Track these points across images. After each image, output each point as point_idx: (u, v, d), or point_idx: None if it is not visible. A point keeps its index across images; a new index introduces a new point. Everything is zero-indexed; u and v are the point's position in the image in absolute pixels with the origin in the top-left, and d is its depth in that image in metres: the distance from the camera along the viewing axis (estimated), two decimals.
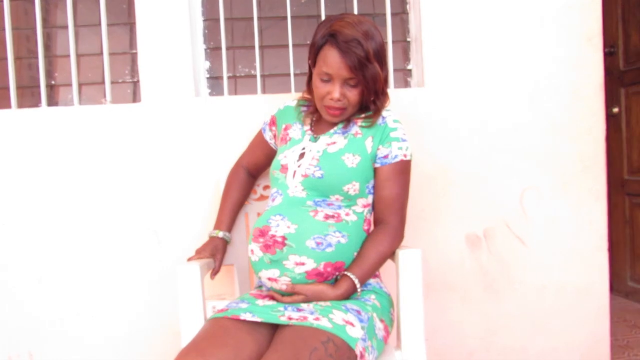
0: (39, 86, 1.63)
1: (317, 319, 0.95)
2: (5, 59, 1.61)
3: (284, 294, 1.07)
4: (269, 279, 1.08)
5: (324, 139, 1.17)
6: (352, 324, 0.97)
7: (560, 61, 1.58)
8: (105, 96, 1.65)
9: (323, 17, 1.63)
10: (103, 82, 1.66)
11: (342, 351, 0.91)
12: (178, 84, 1.55)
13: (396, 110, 1.23)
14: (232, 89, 1.73)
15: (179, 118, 1.55)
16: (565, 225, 1.60)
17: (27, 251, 1.55)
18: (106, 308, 1.57)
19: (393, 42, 1.65)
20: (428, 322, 1.16)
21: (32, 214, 1.55)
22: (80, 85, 1.67)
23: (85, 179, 1.55)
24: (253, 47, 1.65)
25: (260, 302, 1.06)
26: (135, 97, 1.73)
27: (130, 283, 1.56)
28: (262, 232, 1.08)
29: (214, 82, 1.69)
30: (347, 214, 1.12)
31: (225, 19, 1.64)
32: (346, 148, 1.13)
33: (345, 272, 1.07)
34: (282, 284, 1.06)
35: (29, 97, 1.76)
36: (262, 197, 1.44)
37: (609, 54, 2.52)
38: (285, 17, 1.64)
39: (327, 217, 1.09)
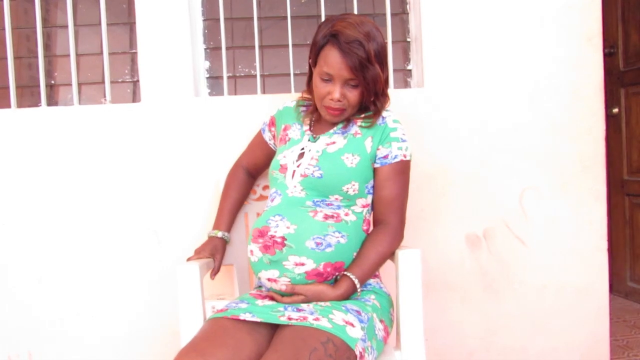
0: (38, 86, 1.63)
1: (317, 319, 0.95)
2: (5, 58, 1.61)
3: (283, 294, 1.07)
4: (269, 279, 1.08)
5: (323, 139, 1.17)
6: (352, 325, 0.97)
7: (560, 61, 1.58)
8: (105, 96, 1.65)
9: (323, 17, 1.63)
10: (103, 82, 1.66)
11: (341, 351, 0.91)
12: (178, 84, 1.55)
13: (396, 111, 1.23)
14: (231, 89, 1.73)
15: (178, 118, 1.55)
16: (565, 225, 1.60)
17: (27, 251, 1.55)
18: (106, 308, 1.57)
19: (393, 42, 1.65)
20: (428, 322, 1.16)
21: (32, 214, 1.55)
22: (80, 84, 1.67)
23: (85, 179, 1.55)
24: (253, 47, 1.65)
25: (259, 302, 1.06)
26: (135, 97, 1.73)
27: (130, 283, 1.56)
28: (262, 233, 1.08)
29: (214, 82, 1.69)
30: (346, 214, 1.12)
31: (225, 19, 1.64)
32: (345, 148, 1.13)
33: (345, 272, 1.07)
34: (282, 284, 1.06)
35: (28, 96, 1.76)
36: (262, 197, 1.44)
37: (609, 55, 2.52)
38: (285, 17, 1.64)
39: (326, 217, 1.09)
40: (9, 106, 1.61)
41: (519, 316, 1.61)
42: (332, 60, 1.06)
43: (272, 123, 1.31)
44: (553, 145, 1.59)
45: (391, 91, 1.25)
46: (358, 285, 1.07)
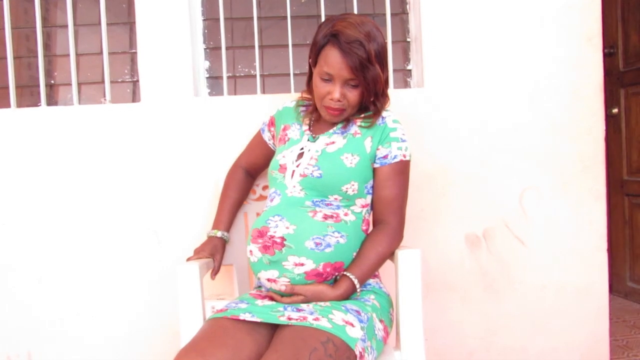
0: (38, 85, 1.63)
1: (316, 319, 0.95)
2: (5, 58, 1.61)
3: (283, 294, 1.07)
4: (268, 279, 1.08)
5: (323, 138, 1.17)
6: (351, 324, 0.97)
7: (560, 61, 1.58)
8: (104, 96, 1.65)
9: (323, 17, 1.63)
10: (103, 82, 1.66)
11: (341, 351, 0.91)
12: (178, 84, 1.55)
13: (396, 111, 1.23)
14: (231, 89, 1.73)
15: (178, 118, 1.55)
16: (565, 225, 1.60)
17: (27, 251, 1.55)
18: (106, 308, 1.57)
19: (393, 42, 1.65)
20: (428, 322, 1.16)
21: (32, 214, 1.55)
22: (79, 84, 1.67)
23: (85, 178, 1.55)
24: (253, 47, 1.65)
25: (259, 302, 1.06)
26: (134, 97, 1.73)
27: (130, 283, 1.56)
28: (261, 233, 1.08)
29: (214, 82, 1.69)
30: (345, 214, 1.12)
31: (225, 19, 1.64)
32: (345, 148, 1.13)
33: (345, 273, 1.07)
34: (282, 284, 1.06)
35: (28, 96, 1.76)
36: (262, 197, 1.44)
37: (609, 55, 2.52)
38: (285, 17, 1.64)
39: (325, 217, 1.09)
40: (8, 106, 1.61)
41: (519, 316, 1.61)
42: (333, 60, 1.06)
43: (272, 123, 1.31)
44: (553, 145, 1.59)
45: (391, 91, 1.25)
46: (358, 286, 1.07)
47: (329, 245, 1.06)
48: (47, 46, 1.73)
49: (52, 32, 1.75)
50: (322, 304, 1.03)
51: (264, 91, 1.72)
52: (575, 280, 1.61)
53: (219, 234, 1.29)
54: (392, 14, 1.65)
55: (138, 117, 1.55)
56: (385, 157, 1.13)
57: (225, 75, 1.63)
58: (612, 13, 2.49)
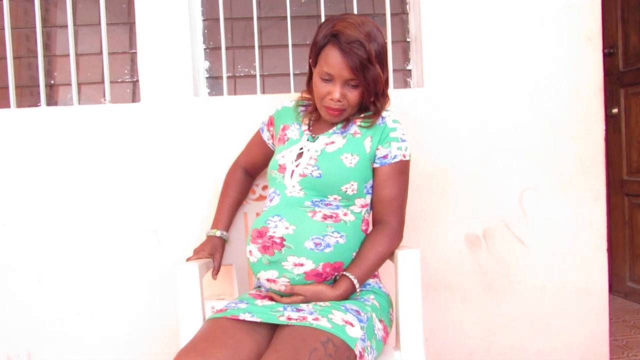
0: (38, 85, 1.63)
1: (316, 319, 0.95)
2: (5, 58, 1.61)
3: (283, 294, 1.07)
4: (268, 280, 1.08)
5: (322, 138, 1.17)
6: (351, 324, 0.97)
7: (560, 61, 1.58)
8: (104, 96, 1.65)
9: (323, 17, 1.63)
10: (102, 82, 1.66)
11: (341, 351, 0.91)
12: (177, 84, 1.55)
13: (396, 111, 1.23)
14: (231, 89, 1.73)
15: (178, 118, 1.55)
16: (565, 225, 1.60)
17: (27, 251, 1.55)
18: (106, 308, 1.57)
19: (393, 42, 1.65)
20: (428, 322, 1.16)
21: (32, 214, 1.55)
22: (79, 84, 1.67)
23: (85, 179, 1.55)
24: (253, 47, 1.65)
25: (259, 302, 1.06)
26: (134, 97, 1.73)
27: (130, 283, 1.56)
28: (261, 233, 1.08)
29: (214, 82, 1.69)
30: (345, 214, 1.12)
31: (225, 19, 1.64)
32: (345, 148, 1.13)
33: (344, 273, 1.07)
34: (281, 285, 1.06)
35: (28, 96, 1.76)
36: (261, 197, 1.44)
37: (609, 55, 2.52)
38: (285, 17, 1.64)
39: (325, 217, 1.09)
40: (8, 106, 1.61)
41: (519, 316, 1.61)
42: (333, 60, 1.06)
43: (271, 123, 1.31)
44: (553, 145, 1.59)
45: (391, 91, 1.25)
46: (357, 286, 1.07)
47: (328, 246, 1.06)
48: (47, 46, 1.73)
49: (52, 32, 1.75)
50: (321, 304, 1.03)
51: (263, 91, 1.72)
52: (575, 280, 1.61)
53: (217, 233, 1.29)
54: (392, 14, 1.65)
55: (138, 117, 1.55)
56: (385, 157, 1.13)
57: (225, 75, 1.63)
58: (612, 13, 2.49)
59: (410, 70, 1.69)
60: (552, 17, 1.57)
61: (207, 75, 1.67)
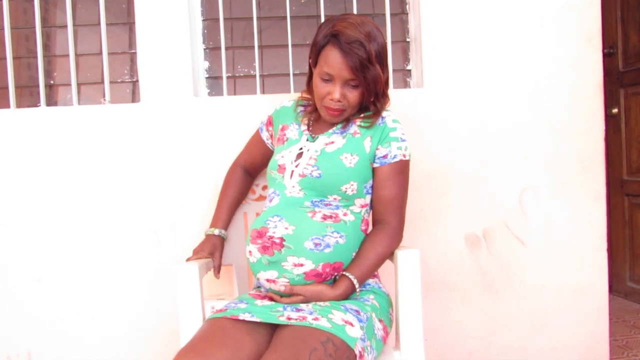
0: (38, 86, 1.63)
1: (316, 319, 0.95)
2: (4, 58, 1.61)
3: (282, 295, 1.07)
4: (268, 280, 1.08)
5: (322, 138, 1.16)
6: (351, 324, 0.97)
7: (559, 61, 1.58)
8: (104, 96, 1.65)
9: (323, 17, 1.63)
10: (102, 82, 1.66)
11: (341, 351, 0.91)
12: (177, 84, 1.55)
13: (396, 111, 1.23)
14: (231, 89, 1.73)
15: (178, 118, 1.55)
16: (565, 225, 1.60)
17: (27, 251, 1.55)
18: (106, 308, 1.57)
19: (392, 42, 1.65)
20: (427, 322, 1.15)
21: (32, 214, 1.55)
22: (79, 85, 1.67)
23: (85, 179, 1.55)
24: (252, 47, 1.65)
25: (259, 302, 1.06)
26: (134, 97, 1.73)
27: (130, 283, 1.56)
28: (260, 234, 1.08)
29: (213, 82, 1.69)
30: (345, 214, 1.12)
31: (225, 19, 1.64)
32: (344, 148, 1.13)
33: (344, 273, 1.07)
34: (281, 285, 1.06)
35: (27, 96, 1.76)
36: (261, 197, 1.44)
37: (608, 55, 2.53)
38: (285, 17, 1.64)
39: (325, 217, 1.09)
40: (8, 106, 1.61)
41: (519, 316, 1.61)
42: (333, 60, 1.06)
43: (270, 122, 1.31)
44: (553, 145, 1.59)
45: (391, 91, 1.25)
46: (357, 286, 1.07)
47: (328, 246, 1.06)
48: (46, 46, 1.73)
49: (52, 32, 1.75)
50: (321, 303, 1.03)
51: (263, 91, 1.72)
52: (575, 280, 1.61)
53: (216, 232, 1.29)
54: (391, 14, 1.65)
55: (138, 117, 1.55)
56: (385, 156, 1.13)
57: (224, 75, 1.63)
58: (612, 13, 2.49)
59: (410, 71, 1.69)
60: (552, 17, 1.57)
61: (207, 76, 1.67)
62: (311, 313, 0.97)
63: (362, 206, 1.15)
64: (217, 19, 1.63)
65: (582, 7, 1.57)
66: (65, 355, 1.57)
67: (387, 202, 1.14)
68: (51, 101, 1.74)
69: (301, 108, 1.26)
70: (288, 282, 1.06)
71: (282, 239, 1.06)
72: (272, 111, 1.32)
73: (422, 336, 1.09)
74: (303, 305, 1.02)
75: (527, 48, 1.57)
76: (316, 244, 1.05)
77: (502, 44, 1.57)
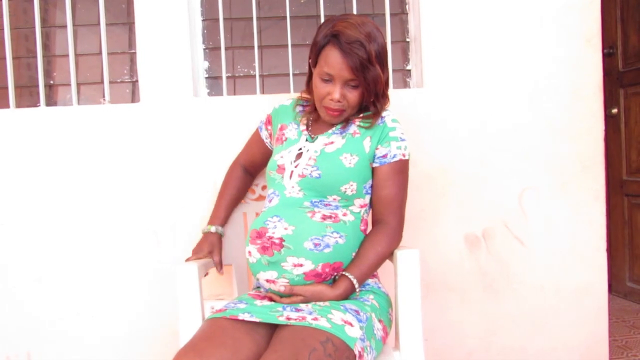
0: (37, 86, 1.63)
1: (315, 319, 0.95)
2: (4, 58, 1.60)
3: (282, 295, 1.07)
4: (267, 280, 1.08)
5: (321, 139, 1.16)
6: (350, 324, 0.97)
7: (559, 61, 1.58)
8: (104, 96, 1.65)
9: (322, 18, 1.63)
10: (102, 82, 1.66)
11: (340, 351, 0.91)
12: (177, 84, 1.55)
13: (395, 111, 1.23)
14: (231, 89, 1.73)
15: (177, 118, 1.55)
16: (565, 225, 1.60)
17: (27, 251, 1.55)
18: (106, 308, 1.57)
19: (392, 42, 1.65)
20: (427, 322, 1.15)
21: (32, 214, 1.55)
22: (79, 85, 1.67)
23: (85, 179, 1.55)
24: (252, 47, 1.65)
25: (258, 302, 1.06)
26: (134, 97, 1.73)
27: (130, 283, 1.56)
28: (260, 234, 1.08)
29: (213, 82, 1.69)
30: (344, 214, 1.12)
31: (225, 19, 1.64)
32: (344, 148, 1.13)
33: (344, 273, 1.07)
34: (281, 285, 1.06)
35: (27, 96, 1.76)
36: (261, 197, 1.44)
37: (608, 55, 2.53)
38: (285, 17, 1.64)
39: (324, 217, 1.09)
40: (7, 106, 1.61)
41: (518, 316, 1.61)
42: (333, 60, 1.06)
43: (269, 121, 1.31)
44: (552, 145, 1.59)
45: (390, 91, 1.25)
46: (357, 286, 1.07)
47: (327, 246, 1.06)
48: (46, 46, 1.73)
49: (51, 32, 1.75)
50: (321, 303, 1.03)
51: (263, 91, 1.72)
52: (574, 280, 1.61)
53: (212, 229, 1.30)
54: (391, 14, 1.65)
55: (137, 117, 1.55)
56: (384, 156, 1.13)
57: (224, 75, 1.63)
58: (612, 13, 2.49)
59: (409, 71, 1.69)
60: (551, 18, 1.57)
61: (207, 76, 1.67)
62: (310, 313, 0.97)
63: (362, 206, 1.15)
64: (217, 19, 1.63)
65: (581, 7, 1.57)
66: (65, 356, 1.57)
67: (387, 202, 1.14)
68: (51, 101, 1.74)
69: (300, 108, 1.26)
70: (288, 283, 1.06)
71: (281, 239, 1.06)
72: (270, 110, 1.31)
73: (421, 336, 1.09)
74: (302, 305, 1.02)
75: (527, 48, 1.57)
76: (316, 244, 1.05)
77: (502, 44, 1.57)
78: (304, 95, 1.25)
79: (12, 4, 1.64)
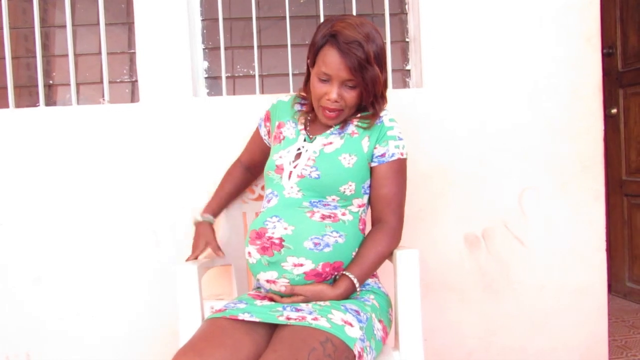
0: (37, 86, 1.63)
1: (315, 319, 0.95)
2: (4, 58, 1.61)
3: (283, 295, 1.07)
4: (268, 281, 1.08)
5: (320, 139, 1.16)
6: (350, 324, 0.97)
7: (559, 61, 1.58)
8: (103, 96, 1.65)
9: (322, 18, 1.63)
10: (101, 82, 1.66)
11: (340, 351, 0.91)
12: (176, 84, 1.55)
13: (395, 111, 1.23)
14: (230, 89, 1.73)
15: (177, 118, 1.55)
16: (564, 225, 1.60)
17: (27, 251, 1.55)
18: (106, 308, 1.57)
19: (391, 42, 1.65)
20: (427, 322, 1.15)
21: (31, 214, 1.55)
22: (78, 84, 1.67)
23: (84, 179, 1.55)
24: (252, 47, 1.65)
25: (258, 302, 1.06)
26: (133, 97, 1.73)
27: (130, 283, 1.56)
28: (259, 234, 1.08)
29: (213, 82, 1.69)
30: (343, 214, 1.12)
31: (224, 19, 1.64)
32: (343, 148, 1.13)
33: (344, 272, 1.07)
34: (281, 285, 1.06)
35: (26, 96, 1.76)
36: (260, 197, 1.44)
37: (608, 55, 2.53)
38: (284, 17, 1.64)
39: (323, 217, 1.09)
40: (7, 106, 1.61)
41: (518, 316, 1.61)
42: (331, 60, 1.06)
43: (267, 118, 1.31)
44: (552, 145, 1.59)
45: (390, 91, 1.26)
46: (357, 285, 1.07)
47: (327, 245, 1.06)
48: (45, 46, 1.73)
49: (51, 32, 1.75)
50: (321, 303, 1.03)
51: (262, 91, 1.72)
52: (574, 280, 1.61)
53: (200, 218, 1.32)
54: (391, 14, 1.65)
55: (137, 117, 1.55)
56: (382, 155, 1.13)
57: (224, 75, 1.63)
58: (611, 13, 2.50)
59: (409, 71, 1.69)
60: (551, 17, 1.57)
61: (206, 76, 1.67)
62: (310, 313, 0.97)
63: (360, 206, 1.15)
64: (217, 19, 1.63)
65: (581, 7, 1.57)
66: (65, 356, 1.57)
67: (387, 201, 1.14)
68: (50, 101, 1.74)
69: (298, 106, 1.25)
70: (288, 283, 1.06)
71: (281, 240, 1.06)
72: (269, 106, 1.31)
73: (421, 336, 1.09)
74: (302, 305, 1.02)
75: (527, 48, 1.57)
76: (315, 244, 1.05)
77: (501, 43, 1.57)
78: (302, 94, 1.25)
79: (11, 4, 1.64)
